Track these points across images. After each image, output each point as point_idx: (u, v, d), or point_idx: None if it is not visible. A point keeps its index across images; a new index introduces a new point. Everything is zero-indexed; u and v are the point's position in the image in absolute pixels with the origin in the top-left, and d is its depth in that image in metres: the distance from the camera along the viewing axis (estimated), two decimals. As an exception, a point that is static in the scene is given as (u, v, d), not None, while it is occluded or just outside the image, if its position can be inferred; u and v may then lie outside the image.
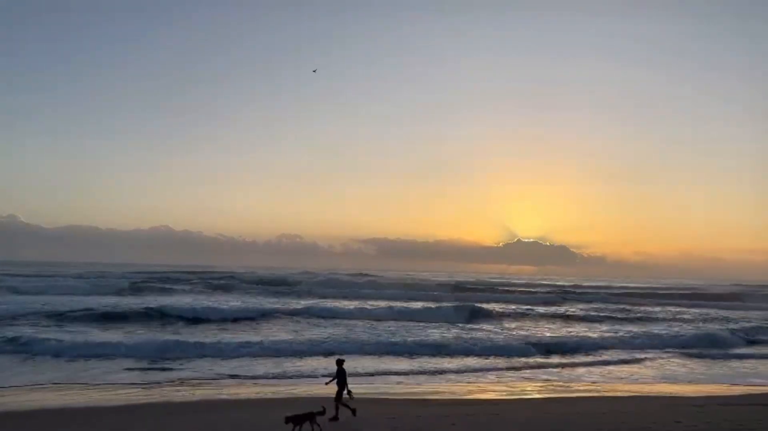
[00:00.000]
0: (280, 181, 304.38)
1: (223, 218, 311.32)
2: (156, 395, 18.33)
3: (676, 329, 41.11)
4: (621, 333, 37.55)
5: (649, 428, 13.80)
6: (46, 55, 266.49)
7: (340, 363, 14.30)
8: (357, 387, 16.13)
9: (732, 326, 42.69)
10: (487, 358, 27.54)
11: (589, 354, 29.93)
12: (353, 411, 14.16)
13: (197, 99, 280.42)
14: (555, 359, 28.41)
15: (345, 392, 13.96)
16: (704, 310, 60.28)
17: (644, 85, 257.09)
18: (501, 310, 50.56)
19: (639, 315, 52.23)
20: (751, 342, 36.19)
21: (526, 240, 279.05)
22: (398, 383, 21.60)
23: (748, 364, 28.90)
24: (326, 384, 14.61)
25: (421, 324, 39.27)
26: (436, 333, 34.53)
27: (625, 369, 26.43)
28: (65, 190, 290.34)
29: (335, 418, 13.89)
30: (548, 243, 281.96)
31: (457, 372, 24.39)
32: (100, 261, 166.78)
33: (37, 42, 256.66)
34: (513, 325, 41.58)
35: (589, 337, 35.31)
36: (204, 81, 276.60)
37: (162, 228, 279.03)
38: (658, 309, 59.88)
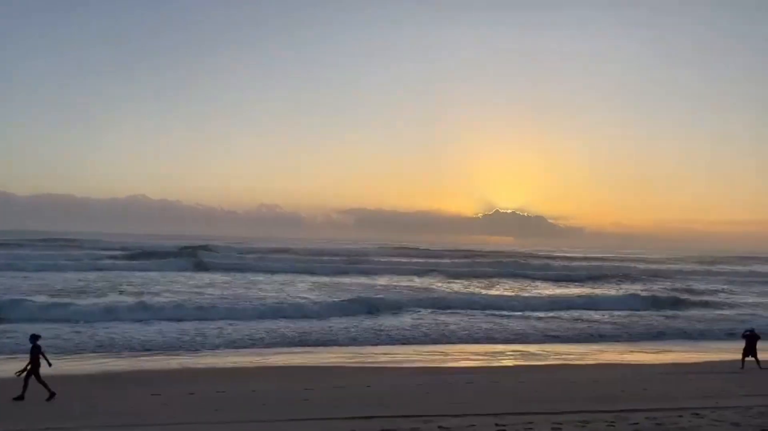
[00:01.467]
0: (260, 151, 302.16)
1: (201, 187, 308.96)
2: None
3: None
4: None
5: (619, 396, 14.19)
6: (16, 20, 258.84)
7: (34, 338, 13.26)
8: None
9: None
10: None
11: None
12: (51, 394, 13.04)
13: (175, 65, 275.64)
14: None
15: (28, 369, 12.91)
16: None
17: (625, 62, 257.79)
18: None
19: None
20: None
21: (504, 211, 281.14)
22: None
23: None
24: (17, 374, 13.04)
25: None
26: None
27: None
28: (38, 156, 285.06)
29: (21, 397, 12.83)
30: (526, 214, 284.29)
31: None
32: (71, 230, 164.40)
33: (4, 6, 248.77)
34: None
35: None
36: (181, 48, 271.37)
37: (139, 197, 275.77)
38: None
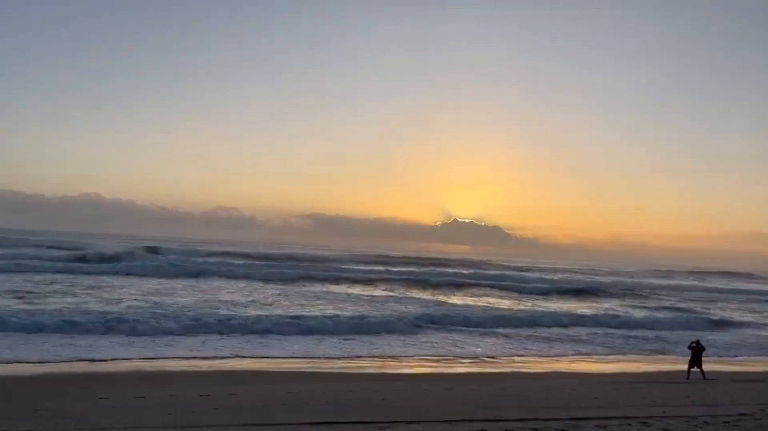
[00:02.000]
0: (218, 152, 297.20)
1: (157, 188, 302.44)
2: None
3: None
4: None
5: (570, 404, 14.41)
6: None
7: None
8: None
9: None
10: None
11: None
12: None
13: (128, 60, 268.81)
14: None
15: None
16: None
17: (582, 69, 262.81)
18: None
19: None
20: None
21: (463, 220, 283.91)
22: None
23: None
24: None
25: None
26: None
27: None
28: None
29: None
30: (483, 224, 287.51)
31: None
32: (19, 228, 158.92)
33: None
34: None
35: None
36: (137, 45, 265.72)
37: (92, 196, 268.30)
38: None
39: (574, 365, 22.96)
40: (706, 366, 20.09)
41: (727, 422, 12.19)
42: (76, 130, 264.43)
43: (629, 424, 11.76)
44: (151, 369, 18.10)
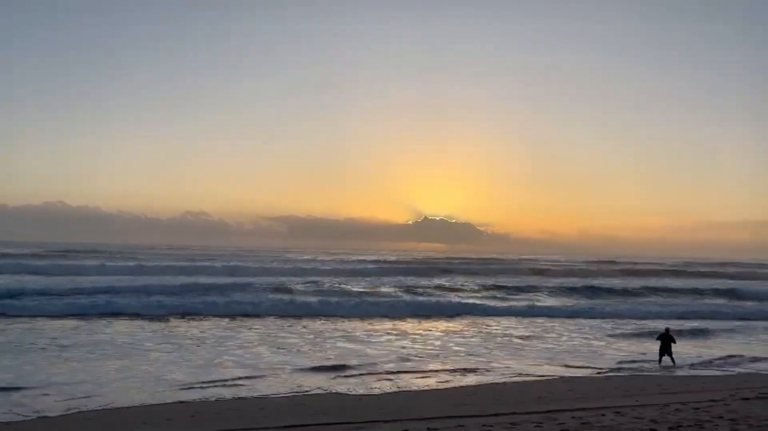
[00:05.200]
0: (184, 156, 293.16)
1: (123, 194, 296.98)
2: None
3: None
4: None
5: (546, 397, 14.55)
6: None
7: None
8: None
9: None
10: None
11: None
12: None
13: (90, 66, 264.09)
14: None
15: None
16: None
17: (550, 67, 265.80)
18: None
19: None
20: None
21: (433, 218, 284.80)
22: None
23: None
24: None
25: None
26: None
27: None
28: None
29: None
30: (455, 221, 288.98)
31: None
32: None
33: None
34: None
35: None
36: (101, 51, 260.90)
37: (56, 204, 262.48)
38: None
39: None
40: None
41: (698, 409, 12.44)
42: (36, 137, 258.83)
43: (603, 414, 11.93)
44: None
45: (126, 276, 47.35)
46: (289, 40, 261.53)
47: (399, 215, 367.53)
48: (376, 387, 16.12)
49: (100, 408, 13.45)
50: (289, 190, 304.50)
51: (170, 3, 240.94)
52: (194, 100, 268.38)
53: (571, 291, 48.90)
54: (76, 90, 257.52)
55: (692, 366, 20.52)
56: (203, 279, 45.04)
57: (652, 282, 60.76)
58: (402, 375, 17.86)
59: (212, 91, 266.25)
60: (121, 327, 26.41)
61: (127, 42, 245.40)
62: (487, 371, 18.91)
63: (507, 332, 28.35)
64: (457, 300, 41.46)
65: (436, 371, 18.83)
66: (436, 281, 54.64)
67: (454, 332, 28.13)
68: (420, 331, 27.99)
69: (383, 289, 45.98)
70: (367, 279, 54.54)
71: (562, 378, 17.91)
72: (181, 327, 26.99)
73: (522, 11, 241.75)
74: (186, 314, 30.55)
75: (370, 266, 70.75)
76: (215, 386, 15.79)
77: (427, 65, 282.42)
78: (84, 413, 13.02)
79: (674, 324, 27.37)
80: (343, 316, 32.10)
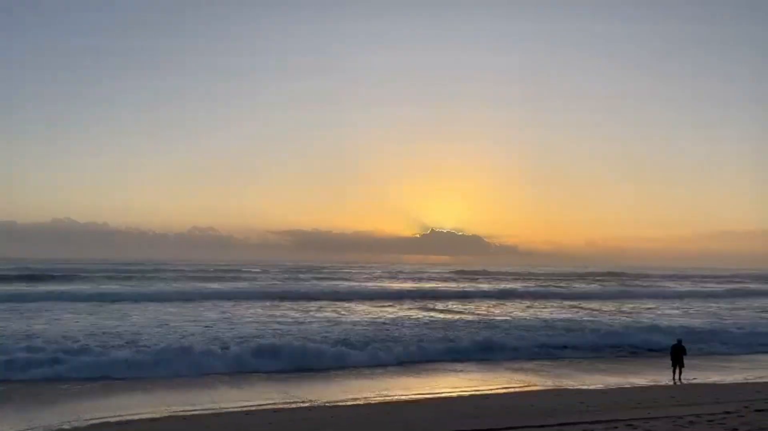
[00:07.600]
0: (192, 173, 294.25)
1: (131, 210, 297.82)
2: None
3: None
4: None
5: (558, 410, 14.44)
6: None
7: None
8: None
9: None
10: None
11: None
12: None
13: (98, 83, 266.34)
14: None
15: None
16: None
17: (556, 78, 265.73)
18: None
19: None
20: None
21: (441, 230, 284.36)
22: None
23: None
24: None
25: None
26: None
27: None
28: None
29: None
30: (462, 234, 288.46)
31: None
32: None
33: None
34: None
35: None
36: (107, 68, 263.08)
37: (64, 221, 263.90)
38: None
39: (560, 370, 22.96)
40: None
41: (712, 421, 12.30)
42: (44, 154, 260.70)
43: (615, 427, 11.81)
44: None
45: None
46: (296, 54, 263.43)
47: (406, 228, 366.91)
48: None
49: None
50: (296, 204, 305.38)
51: (183, 20, 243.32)
52: (201, 116, 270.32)
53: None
54: (84, 108, 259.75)
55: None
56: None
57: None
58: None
59: (219, 106, 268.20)
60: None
61: (132, 59, 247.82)
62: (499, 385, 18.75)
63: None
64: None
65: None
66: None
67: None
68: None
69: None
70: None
71: (573, 391, 17.75)
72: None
73: (524, 21, 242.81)
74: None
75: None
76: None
77: (434, 80, 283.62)
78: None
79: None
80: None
